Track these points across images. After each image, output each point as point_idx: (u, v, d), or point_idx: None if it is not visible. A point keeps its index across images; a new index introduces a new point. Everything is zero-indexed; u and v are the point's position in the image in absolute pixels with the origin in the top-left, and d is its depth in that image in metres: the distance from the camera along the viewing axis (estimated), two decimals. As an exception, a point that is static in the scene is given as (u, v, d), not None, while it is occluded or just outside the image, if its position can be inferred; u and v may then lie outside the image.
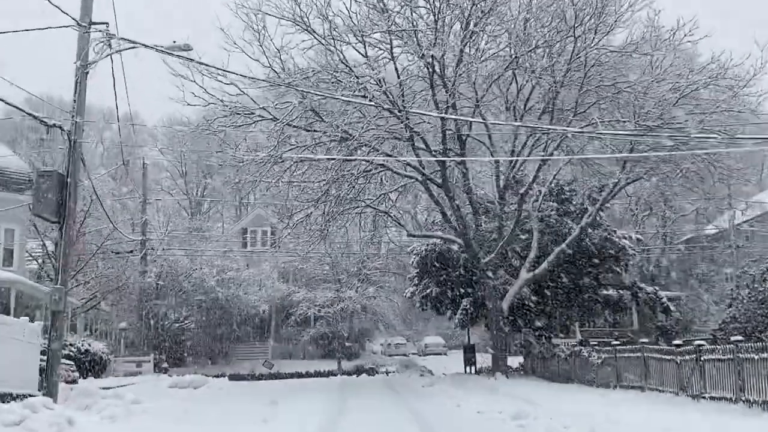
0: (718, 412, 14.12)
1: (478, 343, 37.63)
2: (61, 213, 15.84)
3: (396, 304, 47.20)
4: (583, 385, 22.82)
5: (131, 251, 38.40)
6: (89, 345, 29.94)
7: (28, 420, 12.14)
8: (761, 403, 13.71)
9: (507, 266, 30.68)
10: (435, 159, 25.71)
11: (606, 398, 18.34)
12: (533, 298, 30.98)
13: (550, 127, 23.35)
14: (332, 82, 23.66)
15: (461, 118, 23.75)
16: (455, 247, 30.74)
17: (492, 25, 24.44)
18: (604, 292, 32.61)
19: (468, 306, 32.17)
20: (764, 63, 22.19)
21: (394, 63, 24.35)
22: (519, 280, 28.95)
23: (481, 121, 23.74)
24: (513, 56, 24.27)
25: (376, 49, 24.38)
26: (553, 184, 30.32)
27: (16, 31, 14.87)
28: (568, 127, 23.58)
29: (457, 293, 32.68)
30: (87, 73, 15.98)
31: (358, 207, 28.70)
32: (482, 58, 24.72)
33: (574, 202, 31.78)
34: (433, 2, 23.36)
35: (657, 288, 35.90)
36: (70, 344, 28.12)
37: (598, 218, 29.96)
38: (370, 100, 22.60)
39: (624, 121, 23.73)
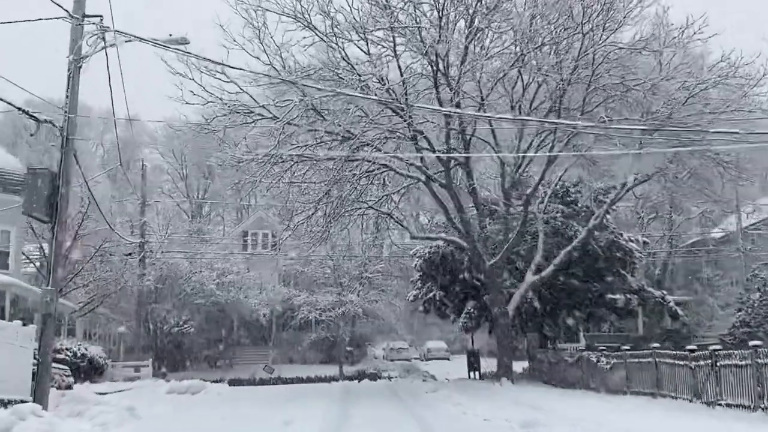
0: (736, 420, 13.81)
1: (482, 347, 37.03)
2: (53, 212, 15.30)
3: (398, 308, 46.69)
4: (592, 391, 22.31)
5: (130, 254, 37.95)
6: (86, 349, 29.50)
7: (14, 428, 11.67)
8: (781, 410, 13.23)
9: (512, 269, 30.07)
10: (438, 155, 25.24)
11: (617, 405, 17.92)
12: (539, 301, 30.38)
13: (558, 121, 22.83)
14: (334, 80, 23.23)
15: (466, 113, 23.23)
16: (459, 250, 30.21)
17: (497, 22, 23.95)
18: (611, 296, 32.00)
19: (472, 310, 31.61)
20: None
21: (397, 61, 23.95)
22: (524, 284, 28.37)
23: (487, 116, 23.20)
24: (519, 54, 23.78)
25: (379, 46, 24.05)
26: (558, 186, 29.85)
27: (8, 23, 14.46)
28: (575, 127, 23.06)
29: (461, 297, 32.15)
30: (80, 67, 15.45)
31: (360, 208, 28.29)
32: (487, 56, 24.22)
33: (580, 204, 31.25)
34: (437, -2, 22.90)
35: (664, 292, 35.33)
36: (66, 348, 27.67)
37: (605, 220, 29.46)
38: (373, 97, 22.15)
39: (633, 119, 23.24)
